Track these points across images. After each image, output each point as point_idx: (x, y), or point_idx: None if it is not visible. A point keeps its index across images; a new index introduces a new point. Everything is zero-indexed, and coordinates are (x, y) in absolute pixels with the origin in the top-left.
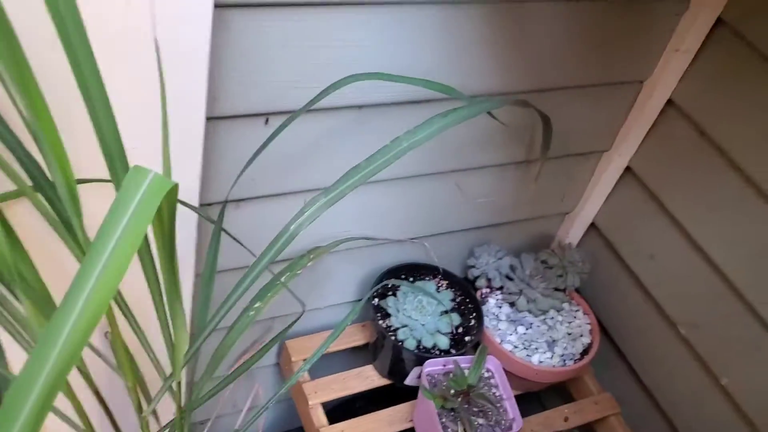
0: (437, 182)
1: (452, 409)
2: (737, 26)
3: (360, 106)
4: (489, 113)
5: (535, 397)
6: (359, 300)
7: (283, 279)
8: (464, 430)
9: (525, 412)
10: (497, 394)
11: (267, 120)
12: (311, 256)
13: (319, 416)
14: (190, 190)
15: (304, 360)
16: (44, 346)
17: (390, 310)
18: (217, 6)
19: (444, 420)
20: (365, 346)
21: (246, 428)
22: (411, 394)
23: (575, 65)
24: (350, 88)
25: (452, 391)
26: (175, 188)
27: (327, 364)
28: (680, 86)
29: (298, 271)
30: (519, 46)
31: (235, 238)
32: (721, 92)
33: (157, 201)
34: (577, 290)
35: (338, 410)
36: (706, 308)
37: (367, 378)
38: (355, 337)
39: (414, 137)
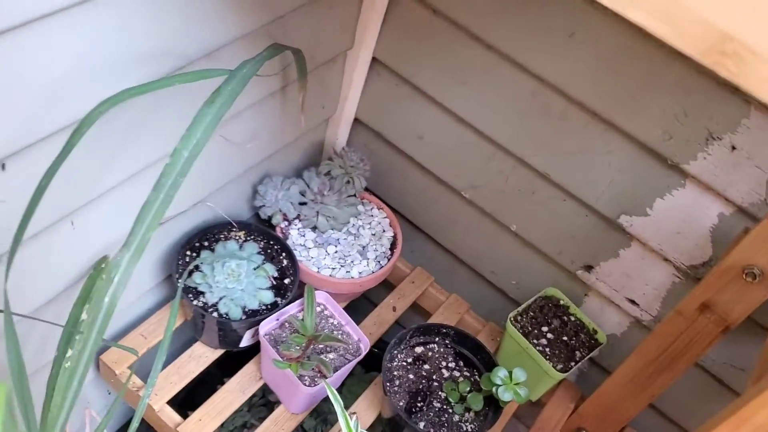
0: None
1: (302, 363)
2: None
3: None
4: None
5: (362, 297)
6: (165, 278)
7: (85, 313)
8: (319, 372)
9: (359, 318)
10: (335, 322)
11: (3, 166)
12: (103, 268)
13: (170, 416)
14: None
15: (129, 368)
16: None
17: (202, 287)
18: None
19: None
20: (182, 323)
21: None
22: (250, 353)
23: None
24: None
25: (294, 344)
26: None
27: (152, 357)
28: None
29: (106, 299)
30: None
31: None
32: None
33: None
34: (365, 189)
35: (185, 398)
36: (481, 170)
37: (201, 357)
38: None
39: (192, 141)
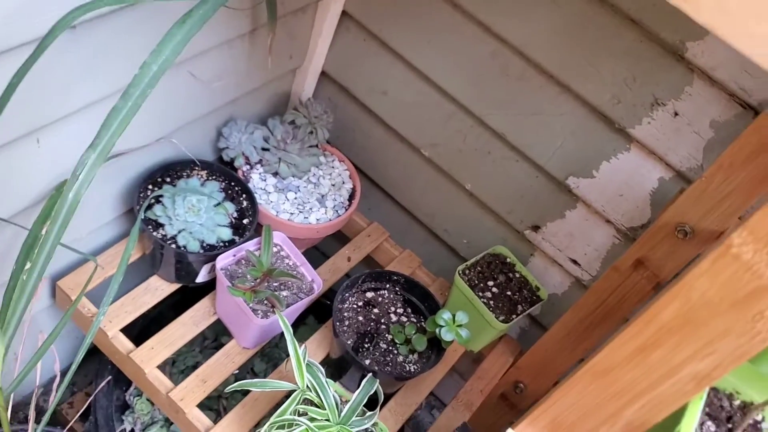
0: (169, 76)
1: (255, 292)
2: None
3: (74, 27)
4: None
5: (313, 249)
6: (125, 213)
7: (46, 229)
8: (272, 307)
9: (314, 267)
10: (290, 263)
11: None
12: (62, 192)
13: (123, 343)
14: None
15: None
16: None
17: (162, 220)
18: None
19: (251, 304)
20: (140, 258)
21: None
22: (204, 290)
23: None
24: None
25: (250, 277)
26: None
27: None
28: None
29: (70, 195)
30: None
31: None
32: None
33: None
34: (327, 142)
35: (138, 330)
36: (440, 129)
37: (157, 289)
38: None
39: (161, 57)
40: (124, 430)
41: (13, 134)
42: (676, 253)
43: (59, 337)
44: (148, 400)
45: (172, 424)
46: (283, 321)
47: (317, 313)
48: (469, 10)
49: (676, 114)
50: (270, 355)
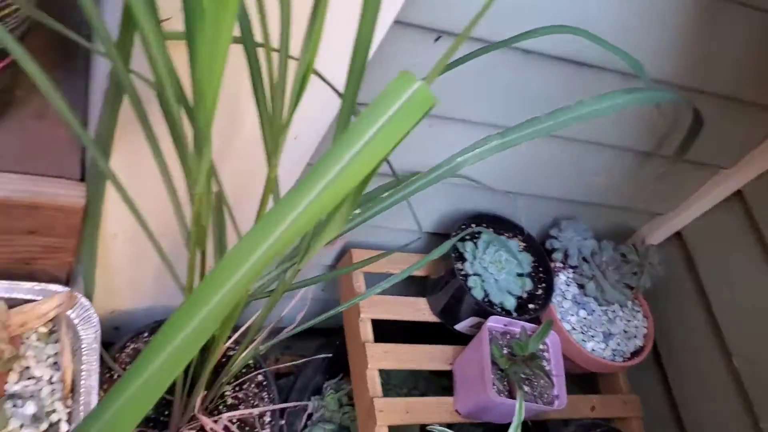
0: (556, 145)
1: (501, 369)
2: None
3: (527, 51)
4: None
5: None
6: (433, 233)
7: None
8: (509, 390)
9: None
10: (547, 368)
11: (438, 38)
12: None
13: (367, 331)
14: None
15: (364, 270)
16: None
17: (466, 255)
18: None
19: (492, 376)
20: (421, 278)
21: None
22: (452, 337)
23: (745, 78)
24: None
25: (505, 351)
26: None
27: (376, 282)
28: None
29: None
30: (701, 40)
31: None
32: None
33: (418, 114)
34: (643, 293)
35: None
36: None
37: (419, 310)
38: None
39: (597, 105)
40: (306, 408)
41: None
42: None
43: (311, 299)
44: (338, 401)
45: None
46: (520, 407)
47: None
48: None
49: None
50: None
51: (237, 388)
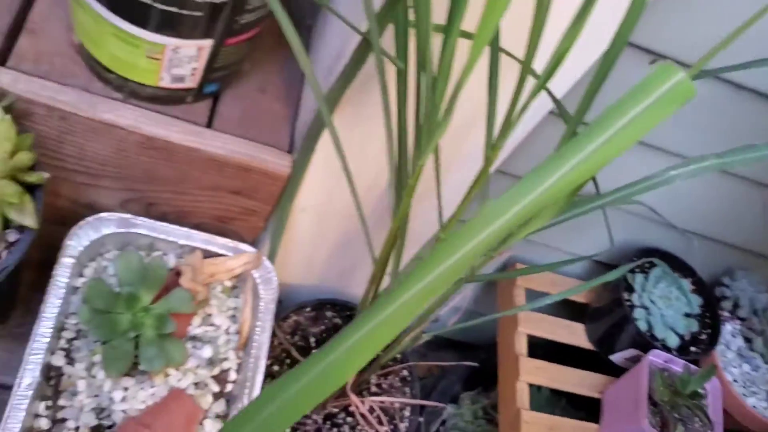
0: (745, 188)
1: (654, 404)
2: None
3: (739, 86)
4: None
5: None
6: (598, 261)
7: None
8: (660, 427)
9: None
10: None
11: (654, 60)
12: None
13: (522, 344)
14: None
15: (526, 286)
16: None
17: (635, 286)
18: None
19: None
20: (578, 304)
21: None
22: (601, 367)
23: None
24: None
25: (662, 388)
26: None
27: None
28: None
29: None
30: None
31: None
32: None
33: (677, 104)
34: None
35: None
36: None
37: (575, 335)
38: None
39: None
40: (442, 411)
41: None
42: None
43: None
44: (474, 413)
45: None
46: None
47: None
48: None
49: None
50: None
51: (382, 378)
